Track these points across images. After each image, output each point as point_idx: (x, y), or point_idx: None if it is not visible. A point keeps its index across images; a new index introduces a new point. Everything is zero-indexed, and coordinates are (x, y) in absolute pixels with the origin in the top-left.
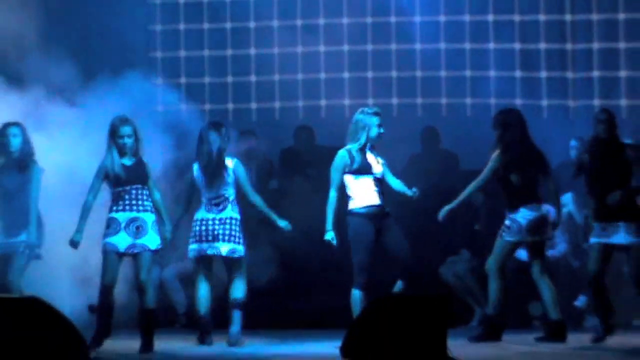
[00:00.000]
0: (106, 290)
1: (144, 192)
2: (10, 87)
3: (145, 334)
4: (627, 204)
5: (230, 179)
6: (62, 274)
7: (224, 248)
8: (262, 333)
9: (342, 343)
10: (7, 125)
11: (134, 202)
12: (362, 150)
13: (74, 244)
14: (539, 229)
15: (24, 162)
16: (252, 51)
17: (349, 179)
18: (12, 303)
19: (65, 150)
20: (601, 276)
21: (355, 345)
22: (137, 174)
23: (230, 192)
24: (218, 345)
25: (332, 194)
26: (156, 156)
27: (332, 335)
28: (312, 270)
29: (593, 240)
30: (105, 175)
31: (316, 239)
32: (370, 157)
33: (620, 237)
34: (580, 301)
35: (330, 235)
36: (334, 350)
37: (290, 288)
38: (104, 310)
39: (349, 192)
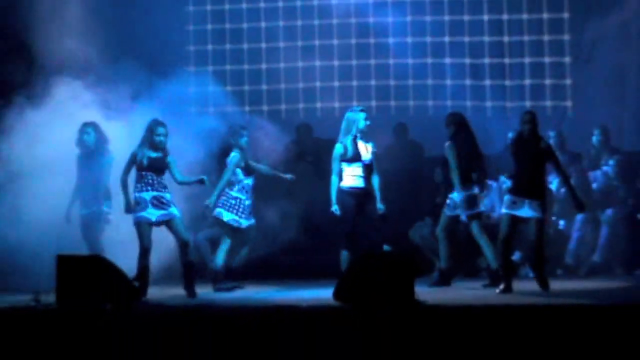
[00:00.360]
0: (145, 252)
1: (161, 178)
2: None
3: (188, 282)
4: (535, 185)
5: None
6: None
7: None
8: (279, 282)
9: (334, 290)
10: (84, 125)
11: (156, 184)
12: (354, 141)
13: (128, 211)
14: (470, 205)
15: (99, 152)
16: (264, 66)
17: (343, 165)
18: (80, 260)
19: (126, 139)
20: (508, 238)
21: (344, 292)
22: (158, 165)
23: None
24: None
25: (333, 179)
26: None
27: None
28: (315, 233)
29: (504, 210)
30: (133, 161)
31: (316, 209)
32: (361, 145)
33: (525, 211)
34: (516, 256)
35: (334, 208)
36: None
37: (300, 248)
38: (145, 269)
39: (342, 174)
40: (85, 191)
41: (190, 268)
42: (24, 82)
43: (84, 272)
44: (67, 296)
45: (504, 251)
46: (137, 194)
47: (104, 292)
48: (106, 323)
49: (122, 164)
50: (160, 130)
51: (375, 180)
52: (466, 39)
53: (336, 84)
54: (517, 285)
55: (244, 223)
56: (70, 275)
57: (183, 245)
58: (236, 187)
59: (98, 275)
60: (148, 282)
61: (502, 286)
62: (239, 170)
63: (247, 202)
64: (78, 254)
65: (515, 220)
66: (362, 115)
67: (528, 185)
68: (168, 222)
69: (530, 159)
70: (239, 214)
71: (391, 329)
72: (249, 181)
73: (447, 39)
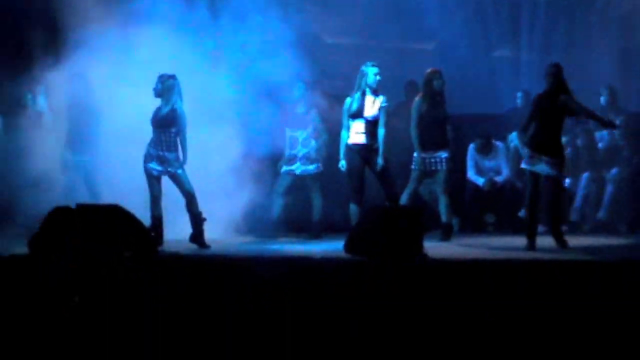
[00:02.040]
0: (154, 201)
1: (168, 135)
2: None
3: (198, 234)
4: (551, 142)
5: None
6: None
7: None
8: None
9: (345, 243)
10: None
11: (159, 142)
12: (361, 96)
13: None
14: (434, 165)
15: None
16: None
17: (350, 121)
18: (99, 209)
19: None
20: (534, 195)
21: (354, 244)
22: (162, 121)
23: None
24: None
25: (342, 133)
26: None
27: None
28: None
29: (523, 165)
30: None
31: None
32: (369, 100)
33: (541, 167)
34: (522, 213)
35: (341, 164)
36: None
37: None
38: (158, 219)
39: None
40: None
41: (198, 219)
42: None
43: (103, 221)
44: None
45: (529, 208)
46: (148, 147)
47: (123, 242)
48: (125, 272)
49: None
50: (168, 82)
51: (380, 134)
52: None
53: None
54: (523, 240)
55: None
56: (89, 225)
57: (188, 197)
58: None
59: (116, 225)
60: (162, 231)
61: (526, 243)
62: None
63: None
64: (96, 203)
65: (536, 176)
66: (373, 70)
67: (545, 142)
68: (171, 177)
69: (547, 115)
70: None
71: (399, 281)
72: None
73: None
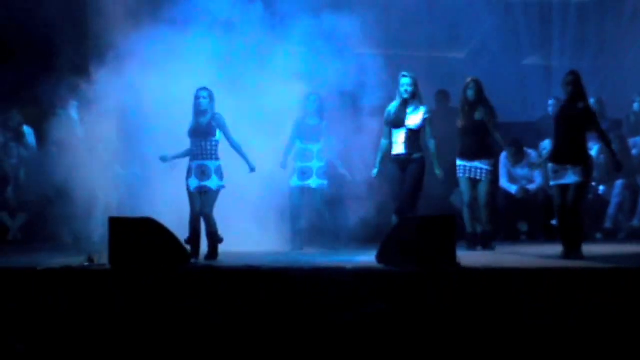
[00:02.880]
0: (193, 217)
1: (207, 144)
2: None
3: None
4: (575, 149)
5: None
6: None
7: None
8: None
9: (377, 252)
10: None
11: (200, 152)
12: (403, 105)
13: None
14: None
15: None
16: None
17: (391, 130)
18: (133, 222)
19: None
20: (563, 207)
21: (386, 254)
22: (201, 131)
23: None
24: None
25: (382, 142)
26: None
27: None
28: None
29: (552, 183)
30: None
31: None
32: (409, 110)
33: (569, 177)
34: (555, 221)
35: (374, 172)
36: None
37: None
38: (194, 233)
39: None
40: None
41: (215, 238)
42: None
43: (136, 234)
44: (120, 257)
45: (560, 219)
46: (189, 162)
47: (155, 253)
48: (157, 283)
49: None
50: (201, 93)
51: (431, 145)
52: None
53: None
54: (555, 248)
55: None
56: (122, 237)
57: (207, 217)
58: None
59: (149, 237)
60: (199, 244)
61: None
62: None
63: None
64: (130, 216)
65: (563, 188)
66: (405, 80)
67: (568, 151)
68: (203, 193)
69: (568, 123)
70: None
71: (433, 290)
72: None
73: None
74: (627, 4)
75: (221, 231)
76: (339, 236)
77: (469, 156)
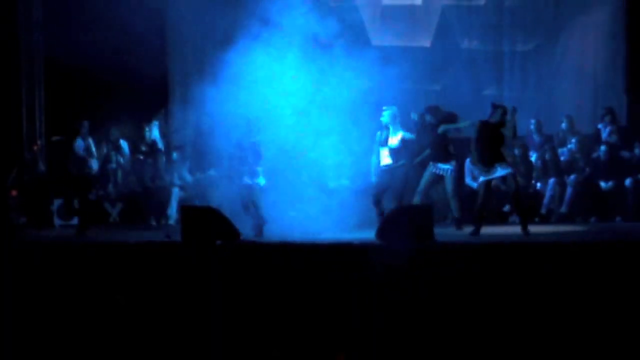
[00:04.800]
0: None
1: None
2: None
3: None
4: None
5: None
6: None
7: None
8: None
9: (376, 231)
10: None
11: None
12: (385, 130)
13: None
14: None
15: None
16: None
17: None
18: (198, 209)
19: None
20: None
21: (384, 232)
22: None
23: None
24: None
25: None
26: None
27: None
28: None
29: (482, 179)
30: None
31: None
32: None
33: (498, 172)
34: (506, 208)
35: (372, 179)
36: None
37: None
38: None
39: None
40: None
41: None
42: None
43: (200, 218)
44: (189, 235)
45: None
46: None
47: (213, 232)
48: (217, 254)
49: None
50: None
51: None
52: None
53: None
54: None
55: None
56: (190, 220)
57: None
58: None
59: (209, 220)
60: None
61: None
62: None
63: None
64: (196, 205)
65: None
66: (384, 112)
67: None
68: (248, 187)
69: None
70: None
71: (414, 261)
72: None
73: None
74: (557, 51)
75: None
76: None
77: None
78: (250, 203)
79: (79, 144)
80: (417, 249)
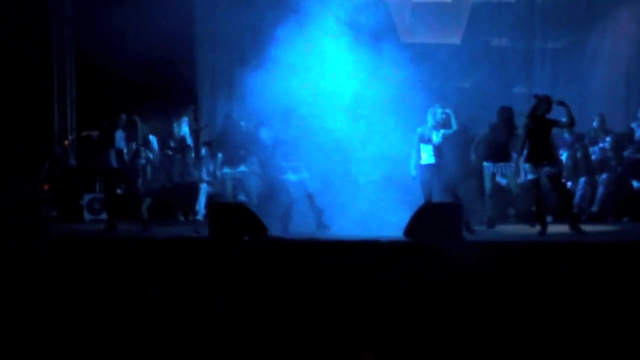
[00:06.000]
0: None
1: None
2: None
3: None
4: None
5: None
6: None
7: None
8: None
9: (405, 229)
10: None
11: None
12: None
13: None
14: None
15: None
16: None
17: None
18: (227, 205)
19: None
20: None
21: (412, 231)
22: None
23: None
24: None
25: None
26: None
27: None
28: None
29: (530, 177)
30: None
31: None
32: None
33: (547, 171)
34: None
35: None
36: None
37: None
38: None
39: None
40: None
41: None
42: None
43: (228, 214)
44: (217, 230)
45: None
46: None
47: (242, 228)
48: (244, 249)
49: None
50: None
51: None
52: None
53: None
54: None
55: None
56: (219, 216)
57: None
58: None
59: (237, 216)
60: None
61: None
62: None
63: None
64: (224, 201)
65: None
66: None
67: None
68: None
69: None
70: None
71: (444, 258)
72: None
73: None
74: (588, 49)
75: None
76: None
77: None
78: (307, 197)
79: (119, 136)
80: (445, 247)
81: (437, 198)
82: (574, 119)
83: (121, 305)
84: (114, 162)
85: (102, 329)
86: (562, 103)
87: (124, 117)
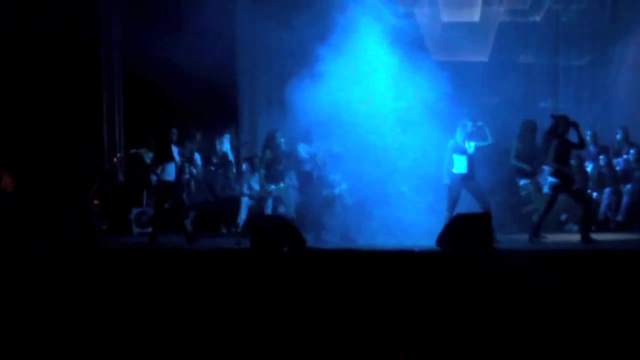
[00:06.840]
0: None
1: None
2: None
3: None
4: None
5: None
6: None
7: None
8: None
9: (437, 239)
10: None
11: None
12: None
13: None
14: None
15: None
16: None
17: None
18: (267, 217)
19: None
20: None
21: (444, 240)
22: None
23: None
24: None
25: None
26: None
27: None
28: None
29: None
30: None
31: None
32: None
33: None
34: (563, 216)
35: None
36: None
37: None
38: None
39: None
40: None
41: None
42: None
43: (268, 226)
44: (258, 242)
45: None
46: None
47: (281, 239)
48: (283, 260)
49: None
50: None
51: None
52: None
53: None
54: (562, 237)
55: None
56: (259, 228)
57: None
58: None
59: (276, 228)
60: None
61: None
62: None
63: None
64: (264, 214)
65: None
66: (469, 124)
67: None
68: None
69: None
70: None
71: (474, 266)
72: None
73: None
74: (611, 65)
75: None
76: None
77: None
78: (343, 209)
79: (175, 150)
80: (476, 256)
81: (464, 207)
82: (584, 140)
83: (164, 310)
84: (169, 176)
85: (145, 336)
86: (574, 124)
87: (175, 131)
